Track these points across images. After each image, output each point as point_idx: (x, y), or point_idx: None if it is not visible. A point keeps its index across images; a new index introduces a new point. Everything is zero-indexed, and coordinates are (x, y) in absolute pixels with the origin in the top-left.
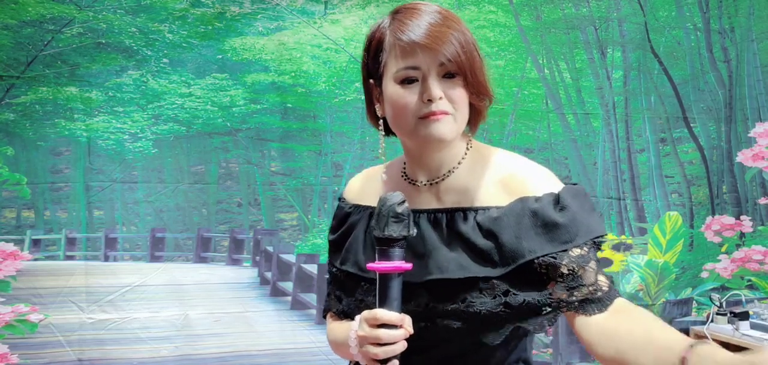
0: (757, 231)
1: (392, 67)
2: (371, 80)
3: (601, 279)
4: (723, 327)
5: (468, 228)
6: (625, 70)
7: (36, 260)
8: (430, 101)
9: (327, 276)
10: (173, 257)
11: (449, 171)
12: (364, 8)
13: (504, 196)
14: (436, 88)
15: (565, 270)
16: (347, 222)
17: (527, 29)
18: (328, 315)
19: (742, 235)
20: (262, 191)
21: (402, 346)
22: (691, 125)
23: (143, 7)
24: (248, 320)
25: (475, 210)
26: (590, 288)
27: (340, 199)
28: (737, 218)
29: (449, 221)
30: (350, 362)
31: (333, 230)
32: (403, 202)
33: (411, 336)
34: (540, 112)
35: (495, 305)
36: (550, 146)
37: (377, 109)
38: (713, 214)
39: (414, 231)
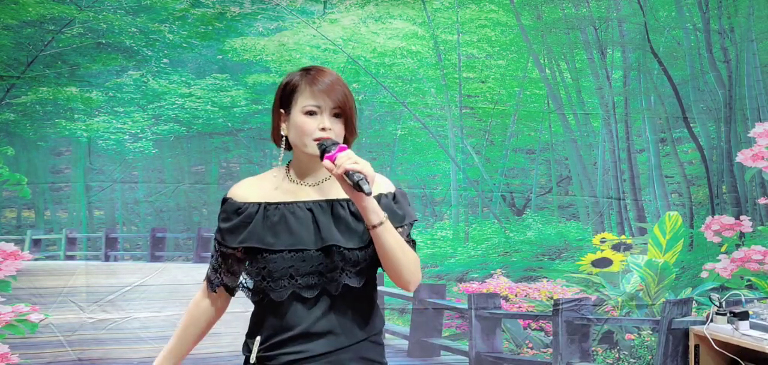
0: (757, 231)
1: (302, 103)
2: (282, 109)
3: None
4: (723, 327)
5: (346, 214)
6: (625, 71)
7: (36, 260)
8: (323, 129)
9: (213, 259)
10: (173, 257)
11: (327, 178)
12: (362, 7)
13: None
14: (327, 121)
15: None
16: (244, 213)
17: (528, 29)
18: (213, 287)
19: (741, 235)
20: None
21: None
22: (691, 125)
23: (143, 7)
24: (248, 319)
25: (349, 201)
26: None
27: (227, 198)
28: (737, 218)
29: (332, 209)
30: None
31: (227, 219)
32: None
33: (307, 290)
34: (541, 112)
35: (361, 258)
36: (550, 147)
37: (282, 129)
38: (713, 214)
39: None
